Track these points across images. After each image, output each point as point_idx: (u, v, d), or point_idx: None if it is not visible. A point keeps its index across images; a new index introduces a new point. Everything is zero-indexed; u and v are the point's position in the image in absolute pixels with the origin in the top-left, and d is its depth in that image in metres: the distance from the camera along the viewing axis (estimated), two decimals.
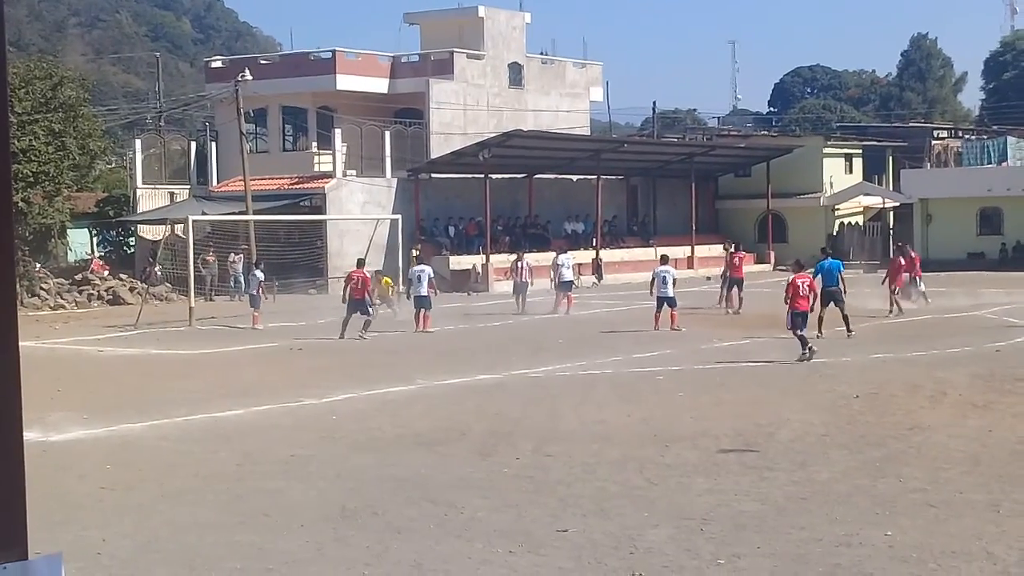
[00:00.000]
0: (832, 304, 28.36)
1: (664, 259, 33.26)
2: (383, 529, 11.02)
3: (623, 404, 18.57)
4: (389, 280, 39.51)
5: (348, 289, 30.27)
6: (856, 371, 21.88)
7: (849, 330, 28.04)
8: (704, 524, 10.91)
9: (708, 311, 34.96)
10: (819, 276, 28.55)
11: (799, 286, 24.18)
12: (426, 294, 31.64)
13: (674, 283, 31.11)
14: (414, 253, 39.23)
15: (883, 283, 34.21)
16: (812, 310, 25.20)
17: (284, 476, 13.64)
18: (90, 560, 9.90)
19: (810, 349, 23.43)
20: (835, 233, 63.78)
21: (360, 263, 31.94)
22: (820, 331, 27.69)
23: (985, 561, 9.56)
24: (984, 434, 15.37)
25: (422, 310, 31.36)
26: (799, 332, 23.69)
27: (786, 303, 24.33)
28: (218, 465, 14.37)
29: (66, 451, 15.02)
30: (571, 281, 37.63)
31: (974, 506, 11.44)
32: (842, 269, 30.09)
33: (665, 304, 30.41)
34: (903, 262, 35.12)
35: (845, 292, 28.95)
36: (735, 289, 35.77)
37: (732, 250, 38.08)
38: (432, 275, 32.56)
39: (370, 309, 30.14)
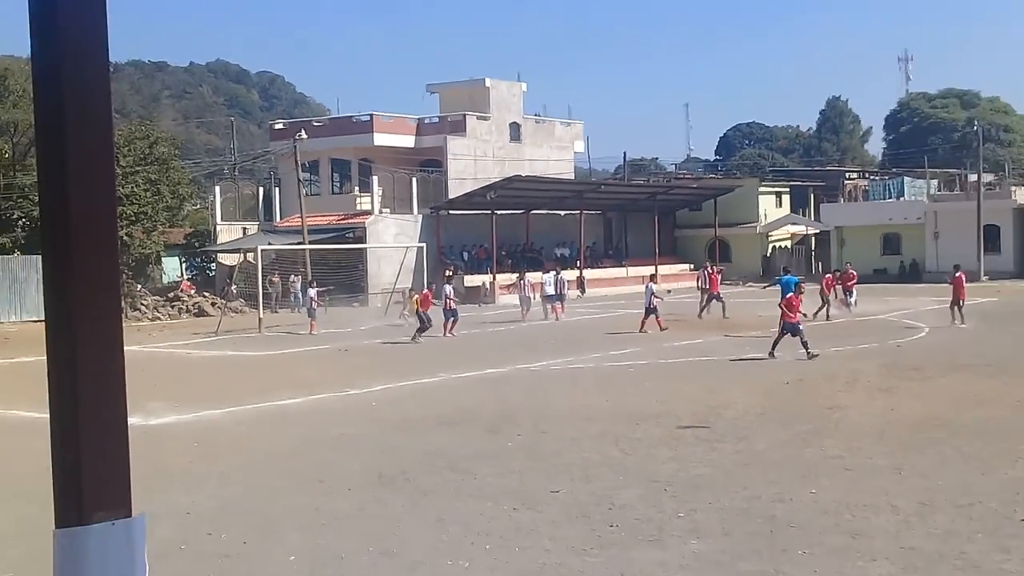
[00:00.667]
0: None
1: (652, 277, 33.18)
2: (413, 492, 11.01)
3: (602, 391, 18.57)
4: (416, 299, 39.48)
5: (418, 302, 30.39)
6: (787, 364, 21.87)
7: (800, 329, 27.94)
8: (667, 486, 10.90)
9: (689, 319, 33.92)
10: (779, 287, 28.70)
11: (793, 302, 23.10)
12: (449, 307, 31.50)
13: (652, 295, 30.73)
14: (448, 273, 39.11)
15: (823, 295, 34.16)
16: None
17: (335, 450, 13.66)
18: (182, 519, 9.91)
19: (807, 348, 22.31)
20: (768, 255, 63.89)
21: (427, 286, 33.30)
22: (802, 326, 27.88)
23: (890, 513, 9.56)
24: (888, 412, 15.39)
25: (449, 320, 31.15)
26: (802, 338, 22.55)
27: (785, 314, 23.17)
28: (282, 443, 14.38)
29: (162, 433, 15.03)
30: (553, 294, 37.45)
31: (881, 469, 11.45)
32: (798, 283, 30.06)
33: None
34: (831, 278, 35.26)
35: (799, 302, 28.89)
36: (713, 300, 35.06)
37: (711, 270, 37.61)
38: (450, 293, 32.49)
39: (426, 320, 29.85)
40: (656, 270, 57.49)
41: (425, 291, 31.70)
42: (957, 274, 30.35)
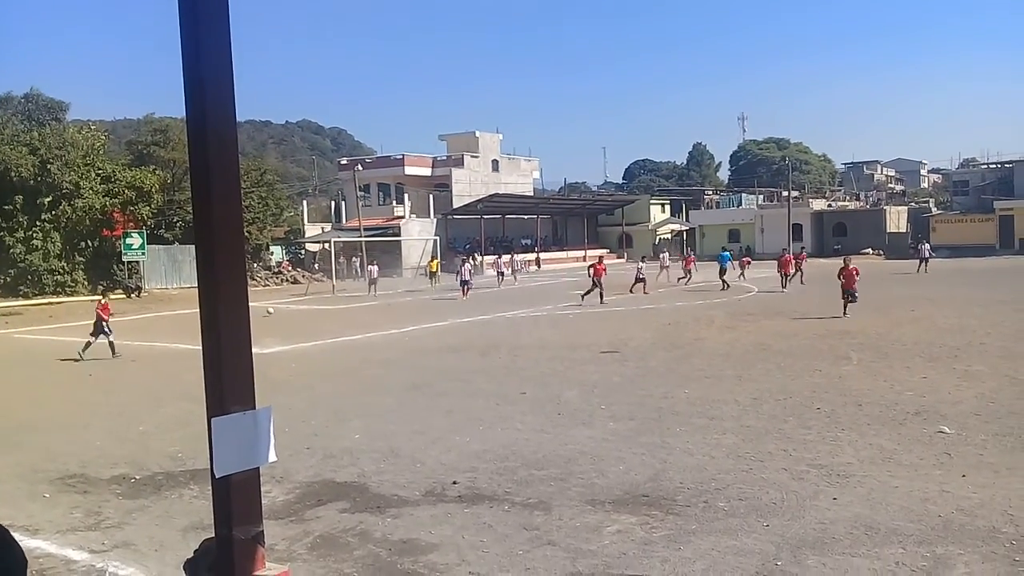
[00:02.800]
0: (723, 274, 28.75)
1: (643, 258, 32.13)
2: (433, 394, 11.02)
3: (553, 329, 18.61)
4: (435, 263, 39.46)
5: (438, 267, 29.24)
6: (669, 311, 21.98)
7: (726, 287, 27.93)
8: (594, 388, 10.96)
9: (672, 285, 31.64)
10: (719, 259, 29.29)
11: (852, 273, 18.93)
12: (467, 279, 30.43)
13: (639, 270, 28.96)
14: (465, 258, 38.80)
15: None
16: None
17: (383, 368, 13.61)
18: (285, 412, 9.88)
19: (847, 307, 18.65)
20: (656, 243, 63.90)
21: (601, 258, 28.90)
22: (726, 285, 27.95)
23: (733, 404, 9.65)
24: (733, 341, 15.49)
25: (464, 286, 30.21)
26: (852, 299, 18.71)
27: (840, 282, 19.02)
28: (349, 363, 14.33)
29: (271, 357, 14.95)
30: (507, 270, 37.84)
31: (728, 378, 11.54)
32: (730, 258, 30.04)
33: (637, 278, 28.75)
34: (747, 259, 35.66)
35: (727, 271, 29.03)
36: (688, 272, 32.82)
37: (672, 255, 36.62)
38: (471, 267, 31.86)
39: (598, 284, 25.01)
40: (585, 253, 57.99)
41: (598, 264, 25.68)
42: (784, 255, 30.20)
